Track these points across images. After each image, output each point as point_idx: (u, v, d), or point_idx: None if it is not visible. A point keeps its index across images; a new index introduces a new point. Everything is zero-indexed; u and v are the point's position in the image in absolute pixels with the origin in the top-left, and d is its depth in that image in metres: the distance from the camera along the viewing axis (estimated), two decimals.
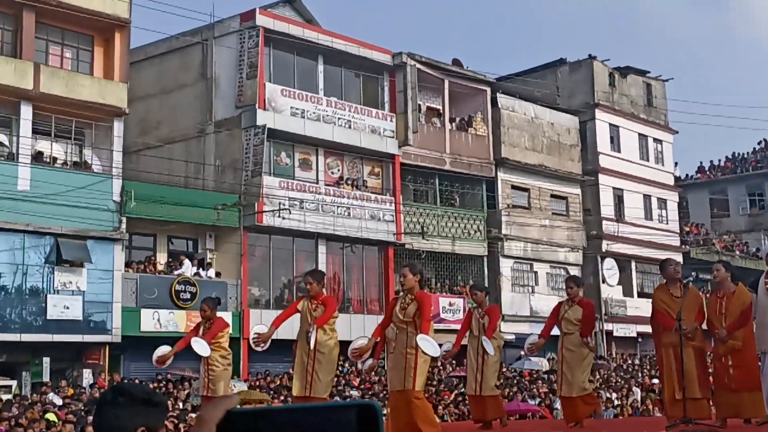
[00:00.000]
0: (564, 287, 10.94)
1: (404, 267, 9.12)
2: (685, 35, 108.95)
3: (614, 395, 22.10)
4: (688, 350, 8.56)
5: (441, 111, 32.33)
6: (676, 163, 43.19)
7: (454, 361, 26.74)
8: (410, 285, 8.77)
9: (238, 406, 0.89)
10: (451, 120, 32.49)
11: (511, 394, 21.24)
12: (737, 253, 41.76)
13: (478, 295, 10.84)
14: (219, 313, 11.23)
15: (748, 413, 8.79)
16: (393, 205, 29.32)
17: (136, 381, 20.36)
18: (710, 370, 9.42)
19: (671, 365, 8.87)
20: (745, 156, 48.03)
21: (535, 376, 25.71)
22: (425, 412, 8.67)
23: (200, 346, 10.26)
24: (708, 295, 9.37)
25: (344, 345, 9.75)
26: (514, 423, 13.94)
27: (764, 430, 8.28)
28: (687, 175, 48.63)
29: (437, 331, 9.36)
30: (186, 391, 20.24)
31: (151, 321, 23.50)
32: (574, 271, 34.68)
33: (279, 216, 25.98)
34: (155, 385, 20.06)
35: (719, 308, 8.90)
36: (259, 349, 9.82)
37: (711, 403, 9.05)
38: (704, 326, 9.03)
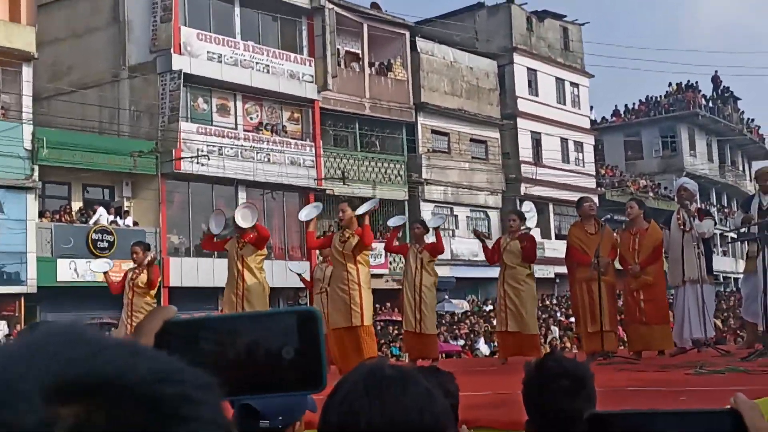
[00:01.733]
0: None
1: (342, 203, 9.16)
2: None
3: None
4: (602, 285, 8.77)
5: (360, 55, 32.11)
6: (591, 107, 43.83)
7: (388, 304, 26.97)
8: (349, 221, 8.77)
9: (177, 316, 0.88)
10: (371, 64, 32.31)
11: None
12: (651, 194, 42.83)
13: (419, 229, 10.65)
14: None
15: (658, 345, 9.10)
16: (313, 150, 29.16)
17: None
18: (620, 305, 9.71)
19: (585, 300, 9.10)
20: (658, 99, 48.97)
21: (457, 317, 26.13)
22: (374, 350, 8.55)
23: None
24: (619, 232, 9.57)
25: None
26: (443, 362, 14.13)
27: (676, 360, 8.54)
28: (602, 118, 49.43)
29: None
30: None
31: (68, 271, 23.07)
32: (493, 215, 35.22)
33: (197, 162, 25.62)
34: None
35: (632, 244, 9.13)
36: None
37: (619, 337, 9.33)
38: (616, 263, 9.27)
